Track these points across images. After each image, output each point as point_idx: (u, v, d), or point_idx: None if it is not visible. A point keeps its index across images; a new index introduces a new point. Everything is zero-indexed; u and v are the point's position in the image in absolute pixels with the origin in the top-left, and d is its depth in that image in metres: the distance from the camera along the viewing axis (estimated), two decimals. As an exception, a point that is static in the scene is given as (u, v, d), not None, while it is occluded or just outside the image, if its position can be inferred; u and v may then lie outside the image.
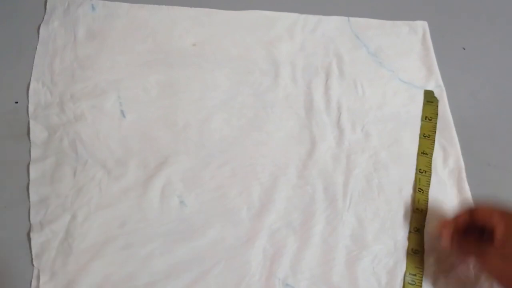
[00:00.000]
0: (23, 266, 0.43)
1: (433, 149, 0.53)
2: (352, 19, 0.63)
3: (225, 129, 0.53)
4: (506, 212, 0.41)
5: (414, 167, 0.52)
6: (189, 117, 0.53)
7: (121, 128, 0.51)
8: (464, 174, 0.52)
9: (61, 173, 0.47)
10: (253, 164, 0.51)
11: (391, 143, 0.54)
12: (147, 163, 0.49)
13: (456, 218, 0.44)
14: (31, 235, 0.44)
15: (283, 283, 0.44)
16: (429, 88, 0.58)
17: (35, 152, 0.48)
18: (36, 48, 0.55)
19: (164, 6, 0.60)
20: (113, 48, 0.56)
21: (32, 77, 0.53)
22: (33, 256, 0.43)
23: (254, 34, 0.60)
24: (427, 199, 0.50)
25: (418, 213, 0.49)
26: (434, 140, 0.54)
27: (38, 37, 0.56)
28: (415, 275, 0.46)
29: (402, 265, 0.46)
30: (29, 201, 0.46)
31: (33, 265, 0.43)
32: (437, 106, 0.57)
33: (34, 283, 0.42)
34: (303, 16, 0.62)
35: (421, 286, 0.45)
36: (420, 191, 0.50)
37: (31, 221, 0.45)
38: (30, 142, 0.49)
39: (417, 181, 0.51)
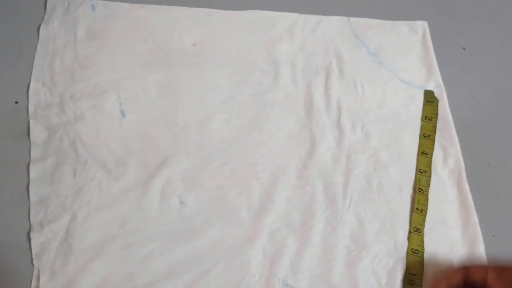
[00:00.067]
0: (23, 266, 0.43)
1: (433, 149, 0.53)
2: (352, 19, 0.63)
3: (225, 129, 0.53)
4: (502, 270, 0.37)
5: (414, 167, 0.52)
6: (189, 117, 0.53)
7: (121, 128, 0.51)
8: (464, 174, 0.52)
9: (61, 173, 0.47)
10: (253, 164, 0.51)
11: (391, 143, 0.54)
12: (147, 163, 0.49)
13: (448, 277, 0.39)
14: (31, 235, 0.44)
15: (283, 283, 0.44)
16: (429, 88, 0.58)
17: (35, 152, 0.48)
18: (36, 48, 0.55)
19: (164, 6, 0.60)
20: (113, 48, 0.56)
21: (32, 77, 0.53)
22: (33, 256, 0.43)
23: (254, 34, 0.60)
24: (427, 199, 0.50)
25: (418, 213, 0.49)
26: (434, 140, 0.54)
27: (38, 37, 0.56)
28: (415, 275, 0.46)
29: (402, 265, 0.46)
30: (29, 201, 0.46)
31: (33, 265, 0.43)
32: (437, 106, 0.57)
33: (34, 283, 0.42)
34: (303, 16, 0.62)
35: (421, 286, 0.45)
36: (420, 191, 0.50)
37: (31, 221, 0.45)
38: (30, 142, 0.49)
39: (417, 181, 0.51)
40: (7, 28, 0.57)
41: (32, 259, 0.43)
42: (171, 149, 0.50)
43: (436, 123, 0.55)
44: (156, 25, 0.59)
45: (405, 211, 0.49)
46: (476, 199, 0.50)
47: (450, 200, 0.50)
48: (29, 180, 0.47)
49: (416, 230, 0.48)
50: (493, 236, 0.49)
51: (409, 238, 0.48)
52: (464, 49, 0.63)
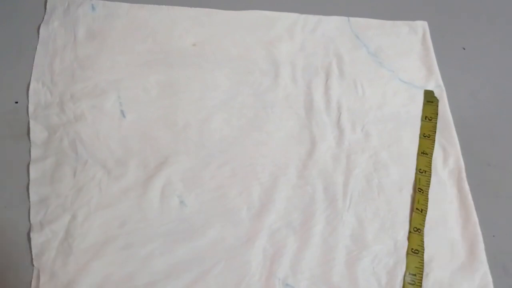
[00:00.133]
0: (23, 266, 0.43)
1: (433, 149, 0.53)
2: (352, 19, 0.63)
3: (225, 129, 0.53)
4: None
5: (414, 167, 0.52)
6: (189, 117, 0.53)
7: (121, 128, 0.51)
8: (464, 174, 0.52)
9: (61, 173, 0.47)
10: (253, 164, 0.51)
11: (391, 143, 0.54)
12: (147, 163, 0.49)
13: None
14: (31, 235, 0.44)
15: (283, 283, 0.44)
16: (429, 88, 0.58)
17: (35, 152, 0.48)
18: (36, 48, 0.55)
19: (164, 6, 0.60)
20: (113, 48, 0.56)
21: (32, 77, 0.53)
22: (33, 256, 0.43)
23: (254, 34, 0.60)
24: (427, 199, 0.50)
25: (418, 213, 0.49)
26: (434, 140, 0.54)
27: (38, 37, 0.56)
28: (415, 275, 0.46)
29: (402, 265, 0.46)
30: (29, 201, 0.46)
31: (33, 265, 0.43)
32: (437, 106, 0.57)
33: (34, 283, 0.42)
34: (303, 16, 0.62)
35: (421, 286, 0.45)
36: (420, 191, 0.50)
37: (31, 221, 0.45)
38: (30, 142, 0.49)
39: (417, 181, 0.51)
40: (7, 28, 0.57)
41: (32, 259, 0.43)
42: (171, 149, 0.50)
43: (436, 123, 0.55)
44: (156, 25, 0.59)
45: (405, 211, 0.49)
46: (476, 199, 0.50)
47: (450, 200, 0.50)
48: (29, 180, 0.47)
49: (416, 230, 0.48)
50: (493, 236, 0.49)
51: (409, 238, 0.48)
52: (464, 49, 0.63)
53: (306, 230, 0.47)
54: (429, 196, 0.50)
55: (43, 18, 0.57)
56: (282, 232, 0.47)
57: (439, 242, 0.48)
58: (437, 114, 0.56)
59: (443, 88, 0.58)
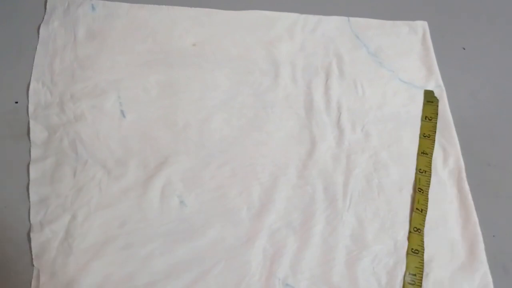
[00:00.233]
0: (23, 266, 0.43)
1: (433, 149, 0.53)
2: (352, 19, 0.63)
3: (225, 129, 0.53)
4: None
5: (414, 167, 0.52)
6: (189, 117, 0.53)
7: (121, 128, 0.51)
8: (464, 174, 0.52)
9: (61, 173, 0.47)
10: (253, 164, 0.51)
11: (391, 143, 0.54)
12: (147, 163, 0.49)
13: None
14: (31, 235, 0.44)
15: (283, 283, 0.44)
16: (429, 88, 0.58)
17: (35, 152, 0.48)
18: (36, 48, 0.55)
19: (164, 6, 0.60)
20: (113, 48, 0.56)
21: (32, 77, 0.53)
22: (33, 256, 0.43)
23: (254, 34, 0.60)
24: (427, 199, 0.50)
25: (418, 213, 0.49)
26: (434, 140, 0.54)
27: (38, 37, 0.56)
28: (415, 275, 0.46)
29: (402, 265, 0.46)
30: (29, 201, 0.46)
31: (33, 265, 0.43)
32: (437, 106, 0.57)
33: (34, 283, 0.42)
34: (303, 16, 0.62)
35: (421, 286, 0.45)
36: (420, 191, 0.50)
37: (31, 221, 0.45)
38: (30, 142, 0.49)
39: (417, 181, 0.51)
40: (7, 28, 0.57)
41: (32, 259, 0.43)
42: (171, 149, 0.50)
43: (436, 123, 0.55)
44: (156, 25, 0.59)
45: (405, 211, 0.49)
46: (476, 199, 0.50)
47: (450, 200, 0.50)
48: (29, 180, 0.47)
49: (416, 230, 0.48)
50: (493, 236, 0.49)
51: (409, 238, 0.48)
52: (464, 49, 0.63)
53: (306, 230, 0.47)
54: (429, 196, 0.50)
55: (43, 18, 0.57)
56: (282, 232, 0.47)
57: (439, 242, 0.48)
58: (437, 114, 0.56)
59: (443, 88, 0.58)
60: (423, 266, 0.46)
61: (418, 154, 0.53)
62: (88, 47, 0.56)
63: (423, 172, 0.52)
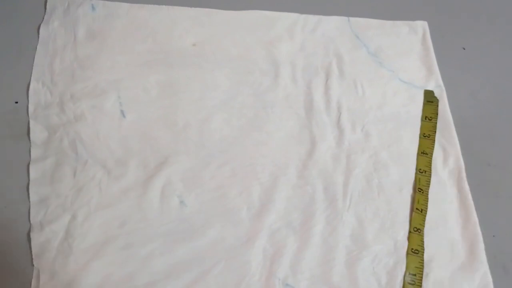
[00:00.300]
0: (23, 266, 0.43)
1: (433, 149, 0.53)
2: (352, 19, 0.63)
3: (225, 129, 0.53)
4: None
5: (414, 167, 0.52)
6: (189, 117, 0.53)
7: (121, 128, 0.51)
8: (464, 174, 0.52)
9: (61, 173, 0.47)
10: (253, 164, 0.51)
11: (391, 143, 0.54)
12: (147, 163, 0.49)
13: None
14: (31, 235, 0.44)
15: (283, 283, 0.44)
16: (429, 88, 0.58)
17: (35, 152, 0.48)
18: (36, 48, 0.55)
19: (164, 6, 0.60)
20: (113, 48, 0.56)
21: (32, 77, 0.53)
22: (33, 256, 0.43)
23: (254, 34, 0.60)
24: (427, 199, 0.50)
25: (418, 213, 0.49)
26: (434, 140, 0.54)
27: (38, 37, 0.56)
28: (415, 275, 0.46)
29: (402, 265, 0.46)
30: (29, 201, 0.46)
31: (33, 265, 0.43)
32: (437, 106, 0.57)
33: (34, 283, 0.42)
34: (303, 16, 0.62)
35: (421, 286, 0.45)
36: (420, 191, 0.50)
37: (31, 221, 0.45)
38: (30, 142, 0.49)
39: (417, 181, 0.51)
40: (7, 28, 0.57)
41: (32, 259, 0.43)
42: (171, 149, 0.50)
43: (436, 123, 0.55)
44: (156, 25, 0.59)
45: (405, 211, 0.49)
46: (476, 199, 0.50)
47: (450, 200, 0.50)
48: (29, 180, 0.47)
49: (416, 230, 0.48)
50: (493, 236, 0.49)
51: (409, 238, 0.48)
52: (464, 49, 0.63)
53: (306, 230, 0.47)
54: (429, 196, 0.50)
55: (43, 18, 0.57)
56: (282, 232, 0.47)
57: (439, 242, 0.48)
58: (437, 114, 0.56)
59: (443, 88, 0.58)
60: (423, 266, 0.46)
61: (418, 154, 0.53)
62: (88, 47, 0.56)
63: (423, 172, 0.52)
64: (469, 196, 0.50)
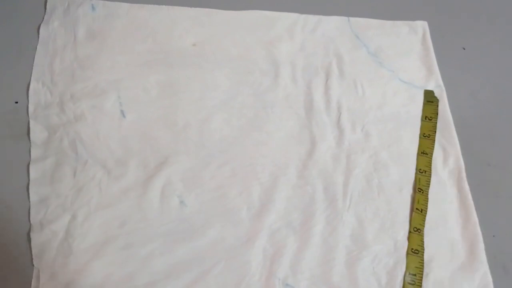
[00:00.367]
0: (23, 266, 0.43)
1: (433, 149, 0.53)
2: (352, 19, 0.63)
3: (225, 129, 0.53)
4: None
5: (414, 167, 0.52)
6: (189, 117, 0.53)
7: (121, 128, 0.51)
8: (464, 174, 0.52)
9: (61, 173, 0.47)
10: (253, 164, 0.51)
11: (391, 143, 0.54)
12: (147, 163, 0.49)
13: None
14: (31, 235, 0.44)
15: (283, 283, 0.44)
16: (429, 88, 0.58)
17: (35, 152, 0.48)
18: (36, 48, 0.55)
19: (164, 6, 0.60)
20: (113, 48, 0.56)
21: (32, 77, 0.53)
22: (33, 256, 0.43)
23: (254, 34, 0.60)
24: (427, 199, 0.50)
25: (418, 213, 0.49)
26: (434, 140, 0.54)
27: (38, 37, 0.56)
28: (415, 275, 0.46)
29: (402, 265, 0.46)
30: (29, 201, 0.46)
31: (33, 265, 0.43)
32: (437, 105, 0.57)
33: (34, 283, 0.42)
34: (303, 16, 0.62)
35: (421, 286, 0.45)
36: (420, 191, 0.50)
37: (31, 221, 0.45)
38: (30, 142, 0.49)
39: (417, 181, 0.51)
40: (7, 28, 0.57)
41: (32, 259, 0.43)
42: (171, 149, 0.50)
43: (436, 122, 0.55)
44: (156, 25, 0.59)
45: (405, 211, 0.49)
46: (476, 199, 0.50)
47: (450, 200, 0.50)
48: (29, 180, 0.47)
49: (416, 230, 0.48)
50: (493, 236, 0.49)
51: (409, 238, 0.48)
52: (464, 49, 0.63)
53: (306, 230, 0.47)
54: (429, 196, 0.50)
55: (43, 18, 0.57)
56: (282, 232, 0.47)
57: (439, 242, 0.48)
58: (437, 114, 0.56)
59: (443, 88, 0.58)
60: (423, 266, 0.46)
61: (418, 154, 0.53)
62: (88, 47, 0.56)
63: (423, 172, 0.52)
64: (469, 196, 0.50)
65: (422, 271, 0.46)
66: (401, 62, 0.60)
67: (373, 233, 0.48)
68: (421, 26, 0.64)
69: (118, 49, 0.56)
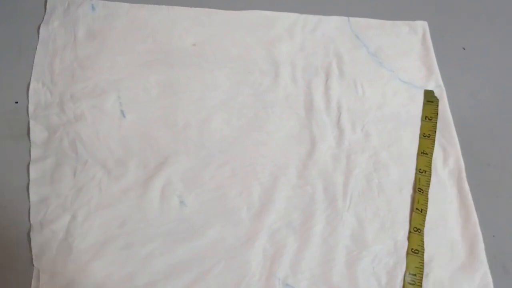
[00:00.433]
0: (23, 266, 0.43)
1: (433, 149, 0.53)
2: (352, 19, 0.63)
3: (225, 129, 0.53)
4: None
5: (414, 167, 0.52)
6: (189, 117, 0.53)
7: (121, 128, 0.51)
8: (464, 174, 0.52)
9: (61, 173, 0.47)
10: (253, 164, 0.51)
11: (391, 143, 0.54)
12: (147, 163, 0.49)
13: None
14: (31, 235, 0.44)
15: (283, 283, 0.44)
16: (429, 88, 0.58)
17: (35, 152, 0.48)
18: (36, 48, 0.55)
19: (164, 6, 0.60)
20: (113, 48, 0.56)
21: (32, 77, 0.53)
22: (33, 256, 0.43)
23: (254, 34, 0.60)
24: (427, 199, 0.50)
25: (418, 213, 0.49)
26: (434, 140, 0.54)
27: (38, 37, 0.56)
28: (415, 275, 0.46)
29: (402, 265, 0.46)
30: (29, 201, 0.46)
31: (33, 265, 0.43)
32: (437, 105, 0.57)
33: (34, 283, 0.42)
34: (303, 16, 0.62)
35: (421, 286, 0.45)
36: (420, 191, 0.50)
37: (31, 221, 0.45)
38: (30, 142, 0.49)
39: (417, 181, 0.51)
40: (7, 28, 0.57)
41: (32, 259, 0.43)
42: (171, 149, 0.50)
43: (436, 122, 0.55)
44: (156, 25, 0.59)
45: (405, 211, 0.49)
46: (476, 199, 0.50)
47: (450, 200, 0.50)
48: (29, 180, 0.47)
49: (416, 230, 0.48)
50: (493, 236, 0.49)
51: (409, 238, 0.48)
52: (464, 49, 0.63)
53: (306, 230, 0.47)
54: (429, 196, 0.50)
55: (43, 18, 0.57)
56: (282, 232, 0.47)
57: (439, 242, 0.48)
58: (437, 114, 0.56)
59: (443, 88, 0.58)
60: (423, 266, 0.46)
61: (418, 154, 0.53)
62: (88, 47, 0.56)
63: (423, 172, 0.52)
64: (469, 196, 0.50)
65: (422, 271, 0.46)
66: (401, 62, 0.60)
67: (373, 233, 0.48)
68: (421, 26, 0.64)
69: (118, 49, 0.56)
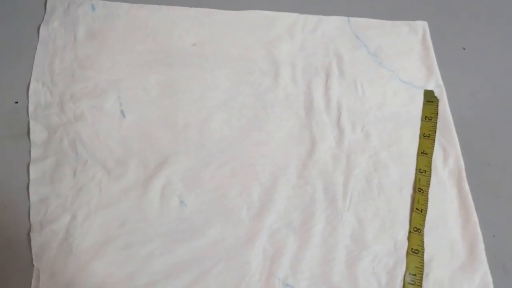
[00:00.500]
0: (23, 266, 0.43)
1: (433, 149, 0.53)
2: (352, 19, 0.63)
3: (225, 129, 0.53)
4: None
5: (414, 167, 0.52)
6: (189, 117, 0.53)
7: (121, 128, 0.51)
8: (464, 174, 0.52)
9: (61, 173, 0.47)
10: (253, 164, 0.51)
11: (391, 143, 0.54)
12: (147, 163, 0.49)
13: None
14: (31, 235, 0.44)
15: (283, 283, 0.44)
16: (429, 88, 0.58)
17: (35, 152, 0.48)
18: (36, 48, 0.55)
19: (164, 6, 0.60)
20: (113, 48, 0.56)
21: (32, 77, 0.53)
22: (33, 256, 0.43)
23: (254, 34, 0.60)
24: (427, 199, 0.50)
25: (418, 213, 0.49)
26: (434, 140, 0.54)
27: (38, 37, 0.56)
28: (415, 275, 0.46)
29: (402, 265, 0.46)
30: (29, 201, 0.46)
31: (33, 265, 0.43)
32: (437, 105, 0.57)
33: (34, 283, 0.42)
34: (303, 16, 0.62)
35: (421, 286, 0.45)
36: (420, 191, 0.50)
37: (31, 221, 0.45)
38: (30, 142, 0.49)
39: (417, 181, 0.51)
40: (7, 28, 0.57)
41: (32, 259, 0.43)
42: (171, 149, 0.50)
43: (436, 122, 0.55)
44: (156, 25, 0.59)
45: (405, 211, 0.49)
46: (476, 199, 0.50)
47: (450, 200, 0.50)
48: (29, 180, 0.47)
49: (416, 230, 0.48)
50: (493, 236, 0.49)
51: (409, 238, 0.48)
52: (464, 49, 0.63)
53: (306, 230, 0.47)
54: (429, 196, 0.50)
55: (43, 18, 0.57)
56: (282, 232, 0.47)
57: (439, 242, 0.48)
58: (437, 114, 0.56)
59: (443, 88, 0.58)
60: (423, 266, 0.46)
61: (418, 154, 0.53)
62: (88, 47, 0.56)
63: (423, 172, 0.52)
64: (469, 196, 0.50)
65: (422, 271, 0.46)
66: (401, 62, 0.60)
67: (373, 233, 0.48)
68: (421, 26, 0.64)
69: (118, 49, 0.56)
